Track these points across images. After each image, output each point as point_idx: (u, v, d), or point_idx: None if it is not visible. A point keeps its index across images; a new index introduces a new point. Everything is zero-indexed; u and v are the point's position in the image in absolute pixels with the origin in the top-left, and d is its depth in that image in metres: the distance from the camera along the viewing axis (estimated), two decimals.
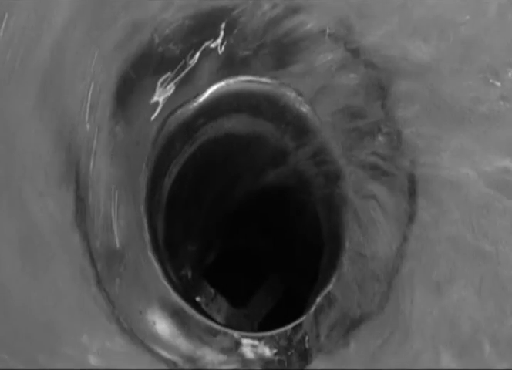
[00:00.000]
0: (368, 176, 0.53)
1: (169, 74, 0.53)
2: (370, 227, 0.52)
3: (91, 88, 0.52)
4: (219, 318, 0.78)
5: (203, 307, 0.78)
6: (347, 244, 0.53)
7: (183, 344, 0.50)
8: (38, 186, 0.48)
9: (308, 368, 0.49)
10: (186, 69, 0.53)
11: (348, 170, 0.54)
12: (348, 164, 0.54)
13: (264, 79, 0.55)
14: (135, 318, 0.49)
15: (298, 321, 0.52)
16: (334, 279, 0.52)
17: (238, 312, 0.79)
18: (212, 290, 0.79)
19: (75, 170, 0.50)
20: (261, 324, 0.79)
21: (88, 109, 0.51)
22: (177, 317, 0.50)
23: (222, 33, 0.53)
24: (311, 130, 0.56)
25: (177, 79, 0.53)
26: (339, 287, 0.52)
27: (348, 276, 0.52)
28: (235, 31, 0.53)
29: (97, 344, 0.44)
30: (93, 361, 0.44)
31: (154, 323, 0.50)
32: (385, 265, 0.51)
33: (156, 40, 0.52)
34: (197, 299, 0.78)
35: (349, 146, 0.54)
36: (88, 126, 0.51)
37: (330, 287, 0.52)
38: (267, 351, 0.50)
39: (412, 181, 0.52)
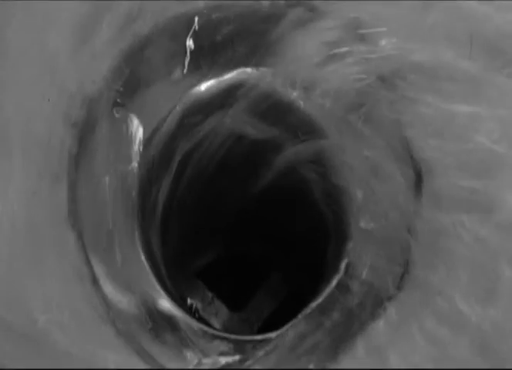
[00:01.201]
0: None
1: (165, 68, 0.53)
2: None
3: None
4: (216, 323, 0.77)
5: (200, 311, 0.78)
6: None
7: (179, 347, 0.49)
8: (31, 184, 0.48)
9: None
10: (184, 63, 0.53)
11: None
12: None
13: (263, 74, 0.54)
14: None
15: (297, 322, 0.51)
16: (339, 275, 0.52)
17: (237, 316, 0.79)
18: (209, 294, 0.79)
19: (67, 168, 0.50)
20: (261, 328, 0.79)
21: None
22: (173, 321, 0.50)
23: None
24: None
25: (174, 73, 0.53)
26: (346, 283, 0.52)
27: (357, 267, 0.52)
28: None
29: (91, 347, 0.44)
30: (87, 362, 0.44)
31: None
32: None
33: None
34: (194, 303, 0.78)
35: None
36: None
37: (333, 285, 0.52)
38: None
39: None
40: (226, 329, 0.76)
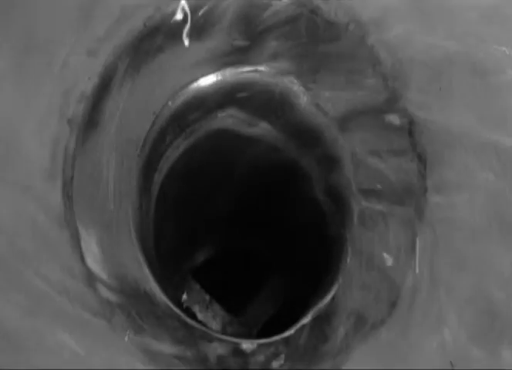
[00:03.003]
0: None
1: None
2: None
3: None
4: (215, 326, 0.78)
5: (198, 314, 0.78)
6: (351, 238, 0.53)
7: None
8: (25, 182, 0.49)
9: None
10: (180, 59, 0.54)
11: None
12: None
13: (262, 70, 0.55)
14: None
15: (296, 326, 0.52)
16: (338, 281, 0.53)
17: (235, 320, 0.79)
18: (207, 297, 0.79)
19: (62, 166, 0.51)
20: (260, 332, 0.79)
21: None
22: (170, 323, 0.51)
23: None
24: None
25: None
26: (343, 289, 0.52)
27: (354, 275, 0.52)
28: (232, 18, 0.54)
29: (88, 344, 0.45)
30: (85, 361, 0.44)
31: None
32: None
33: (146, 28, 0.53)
34: (191, 306, 0.78)
35: None
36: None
37: (334, 290, 0.52)
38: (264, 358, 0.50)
39: None
40: (224, 333, 0.76)
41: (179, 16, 0.54)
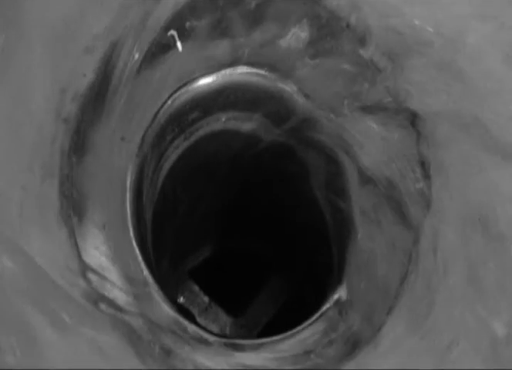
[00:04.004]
0: None
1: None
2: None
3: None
4: (214, 329, 0.78)
5: (197, 316, 0.78)
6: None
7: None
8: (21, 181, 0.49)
9: None
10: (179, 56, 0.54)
11: None
12: None
13: (263, 72, 0.55)
14: None
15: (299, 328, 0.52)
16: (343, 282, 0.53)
17: (235, 321, 0.79)
18: (206, 299, 0.79)
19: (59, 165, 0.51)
20: (261, 334, 0.79)
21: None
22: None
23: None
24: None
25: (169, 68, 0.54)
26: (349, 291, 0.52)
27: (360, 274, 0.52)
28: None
29: (87, 341, 0.45)
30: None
31: None
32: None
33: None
34: (190, 307, 0.79)
35: None
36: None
37: (339, 292, 0.53)
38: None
39: None
40: (224, 335, 0.76)
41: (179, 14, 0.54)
